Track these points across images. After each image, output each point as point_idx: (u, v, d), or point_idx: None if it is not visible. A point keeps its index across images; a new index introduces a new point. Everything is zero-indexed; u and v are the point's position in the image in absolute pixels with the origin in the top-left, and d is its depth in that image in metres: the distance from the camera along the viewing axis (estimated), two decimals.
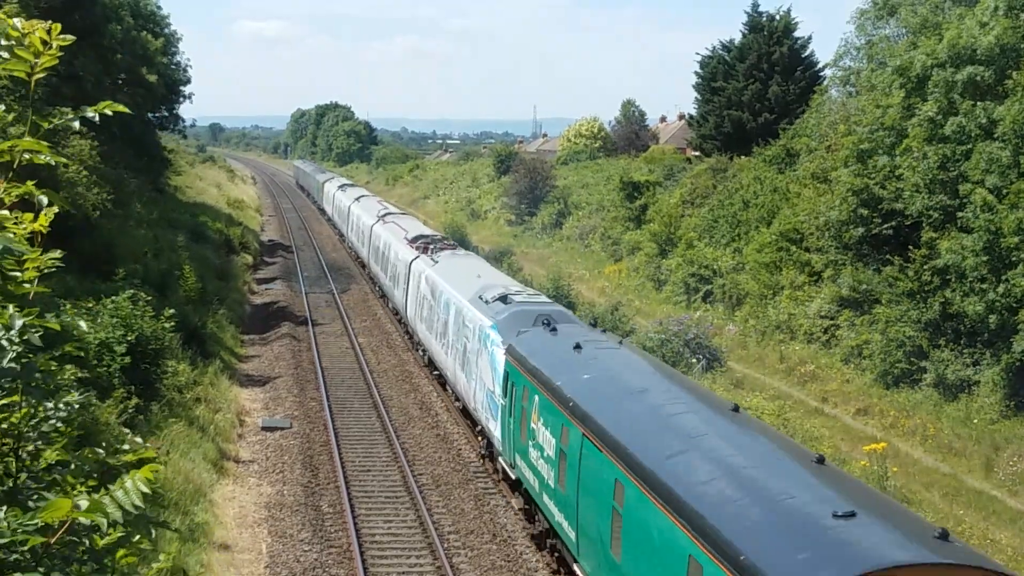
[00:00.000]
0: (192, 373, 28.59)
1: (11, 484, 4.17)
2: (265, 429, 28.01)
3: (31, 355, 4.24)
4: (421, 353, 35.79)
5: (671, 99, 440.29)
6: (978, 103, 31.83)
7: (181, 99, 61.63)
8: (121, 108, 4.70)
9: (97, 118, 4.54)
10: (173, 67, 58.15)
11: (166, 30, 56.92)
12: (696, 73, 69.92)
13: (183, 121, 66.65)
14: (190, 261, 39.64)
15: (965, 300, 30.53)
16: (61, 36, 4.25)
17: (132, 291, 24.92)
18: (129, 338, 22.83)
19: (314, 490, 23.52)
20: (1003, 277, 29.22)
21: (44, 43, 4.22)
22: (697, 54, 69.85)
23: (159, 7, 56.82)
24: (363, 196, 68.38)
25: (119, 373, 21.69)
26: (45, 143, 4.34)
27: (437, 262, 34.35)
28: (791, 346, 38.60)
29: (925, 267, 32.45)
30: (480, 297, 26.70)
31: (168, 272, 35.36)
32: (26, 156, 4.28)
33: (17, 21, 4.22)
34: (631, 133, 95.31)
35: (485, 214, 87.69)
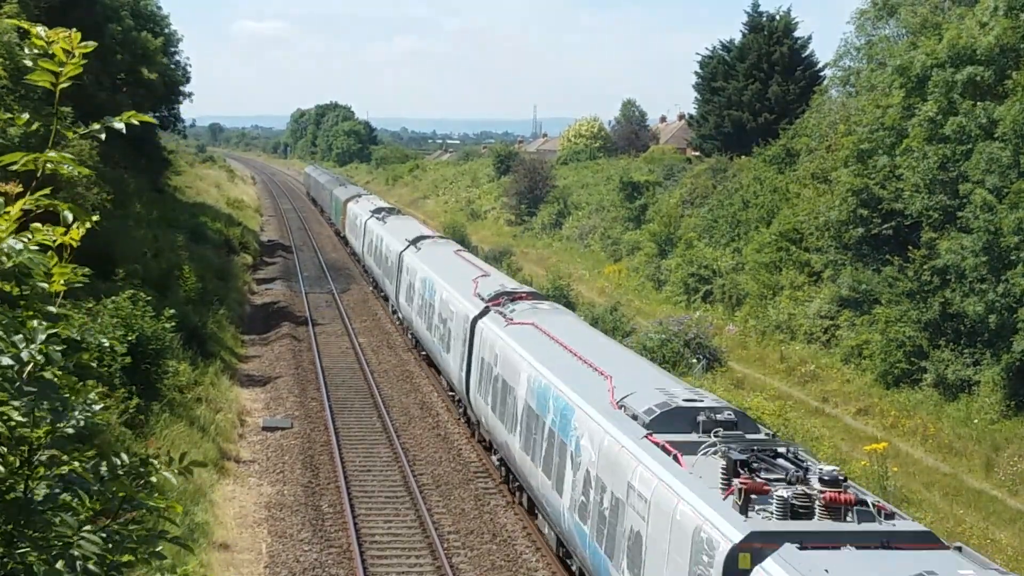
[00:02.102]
0: (193, 373, 28.59)
1: (24, 496, 4.16)
2: (266, 429, 28.01)
3: (50, 367, 4.27)
4: None
5: (671, 99, 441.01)
6: (978, 103, 31.83)
7: (181, 99, 61.65)
8: (147, 119, 4.73)
9: (124, 128, 4.58)
10: (173, 67, 58.11)
11: (166, 30, 56.89)
12: (696, 73, 69.98)
13: (183, 121, 66.62)
14: (190, 261, 39.65)
15: (965, 300, 30.53)
16: (83, 44, 4.28)
17: (132, 291, 24.91)
18: (130, 338, 22.83)
19: (314, 490, 23.52)
20: (1003, 277, 29.22)
21: (67, 52, 4.25)
22: (697, 54, 69.94)
23: (159, 7, 56.81)
24: (424, 239, 40.54)
25: (119, 373, 21.69)
26: (70, 156, 4.39)
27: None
28: (791, 346, 38.60)
29: (925, 267, 32.45)
30: None
31: (168, 272, 35.35)
32: (48, 166, 4.33)
33: (41, 29, 4.25)
34: (631, 133, 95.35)
35: (485, 214, 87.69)
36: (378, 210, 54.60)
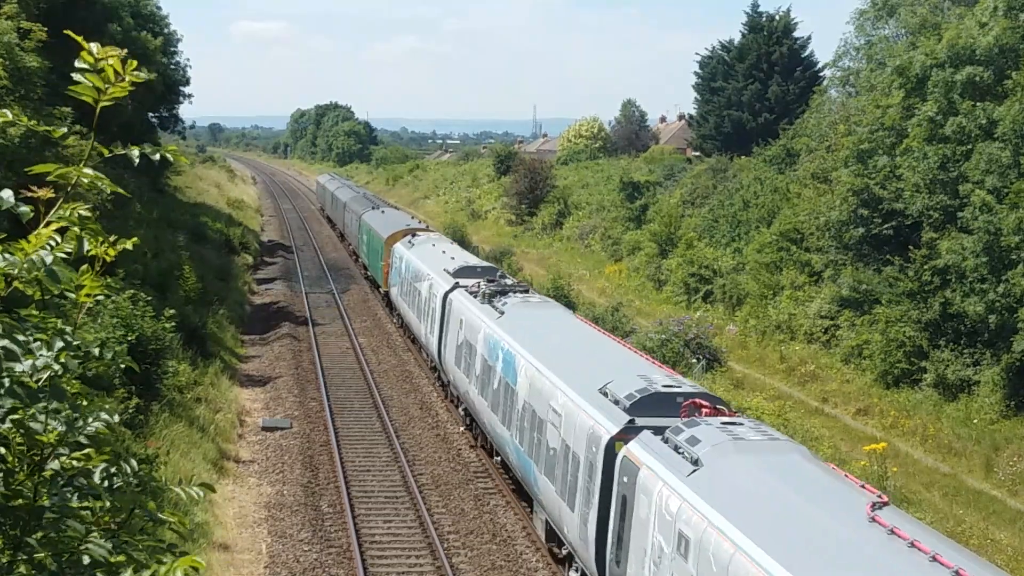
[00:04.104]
0: (192, 373, 28.60)
1: (33, 502, 4.16)
2: (265, 429, 28.02)
3: (66, 376, 4.29)
4: None
5: (671, 99, 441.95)
6: (978, 103, 31.83)
7: (181, 99, 61.63)
8: (173, 148, 4.77)
9: (158, 158, 4.62)
10: (173, 67, 58.11)
11: (165, 30, 56.88)
12: (696, 73, 70.05)
13: (182, 123, 66.63)
14: (190, 261, 39.64)
15: (965, 300, 30.53)
16: (135, 72, 4.33)
17: (132, 291, 24.91)
18: (129, 338, 22.82)
19: (314, 490, 23.53)
20: (1003, 277, 29.22)
21: (117, 74, 4.29)
22: (697, 54, 70.02)
23: (159, 7, 56.80)
24: (655, 394, 16.27)
25: (119, 373, 21.67)
26: (105, 177, 4.42)
27: None
28: (791, 346, 38.60)
29: (925, 267, 32.46)
30: None
31: (168, 272, 35.35)
32: (84, 182, 4.36)
33: (94, 46, 4.30)
34: (631, 133, 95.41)
35: (485, 214, 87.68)
36: (466, 272, 30.84)
